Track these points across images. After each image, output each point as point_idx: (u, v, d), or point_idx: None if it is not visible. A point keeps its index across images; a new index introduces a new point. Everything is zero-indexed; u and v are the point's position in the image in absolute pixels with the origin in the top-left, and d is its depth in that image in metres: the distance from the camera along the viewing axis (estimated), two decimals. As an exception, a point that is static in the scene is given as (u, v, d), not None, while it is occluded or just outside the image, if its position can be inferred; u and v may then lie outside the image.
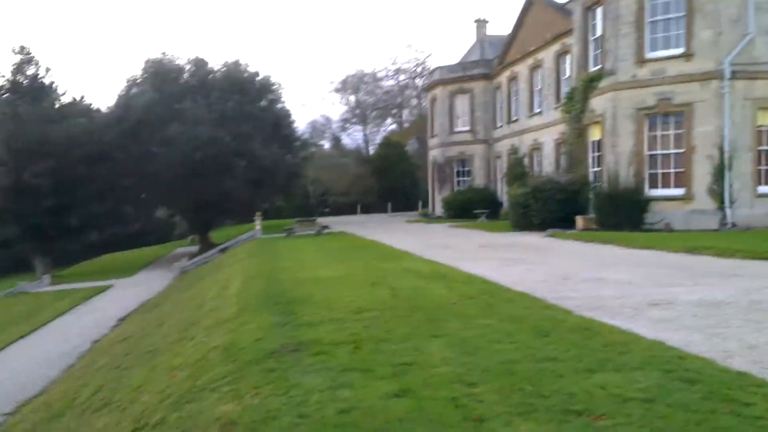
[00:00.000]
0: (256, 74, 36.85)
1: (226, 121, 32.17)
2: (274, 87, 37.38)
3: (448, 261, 14.18)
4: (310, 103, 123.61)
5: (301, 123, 54.76)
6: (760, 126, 19.76)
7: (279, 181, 36.91)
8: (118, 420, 7.12)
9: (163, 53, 35.39)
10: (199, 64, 36.16)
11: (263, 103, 36.66)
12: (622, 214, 20.25)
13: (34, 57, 35.77)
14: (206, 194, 33.54)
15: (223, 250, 28.44)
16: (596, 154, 22.70)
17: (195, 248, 38.88)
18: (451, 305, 8.59)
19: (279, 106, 37.69)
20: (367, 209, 58.20)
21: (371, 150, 70.54)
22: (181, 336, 10.16)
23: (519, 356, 5.85)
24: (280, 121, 37.16)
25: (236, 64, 36.63)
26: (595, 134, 22.71)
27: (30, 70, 35.69)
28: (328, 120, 75.22)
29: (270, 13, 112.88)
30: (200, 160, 31.38)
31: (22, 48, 35.58)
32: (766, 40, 19.50)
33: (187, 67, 36.10)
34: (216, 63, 37.81)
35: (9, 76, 35.31)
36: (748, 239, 15.77)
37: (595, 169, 22.79)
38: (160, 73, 34.44)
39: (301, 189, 49.76)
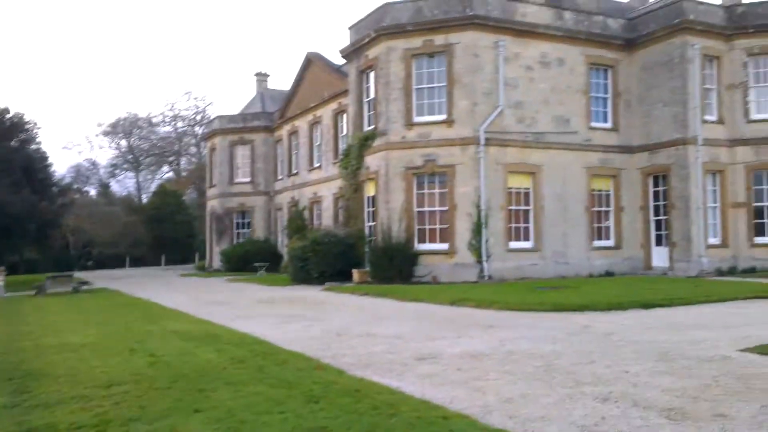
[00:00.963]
0: (6, 111, 32.67)
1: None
2: (28, 126, 33.48)
3: (222, 319, 13.42)
4: (75, 145, 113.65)
5: (62, 167, 49.71)
6: (510, 188, 22.17)
7: (30, 231, 32.68)
8: None
9: None
10: (-68, 94, 31.09)
11: (13, 143, 32.50)
12: (395, 267, 21.14)
13: None
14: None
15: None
16: (371, 209, 23.61)
17: None
18: (221, 371, 7.96)
19: (33, 147, 33.72)
20: (138, 262, 54.13)
21: (144, 198, 66.32)
22: None
23: (288, 428, 5.47)
24: (34, 164, 33.21)
25: (-19, 97, 32.14)
26: (370, 190, 23.66)
27: None
28: (94, 165, 69.42)
29: (29, 46, 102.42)
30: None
31: None
32: (513, 112, 22.13)
33: None
34: (-46, 95, 32.93)
35: None
36: (502, 291, 17.33)
37: (371, 223, 23.65)
38: None
39: (59, 240, 44.67)
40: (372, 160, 23.19)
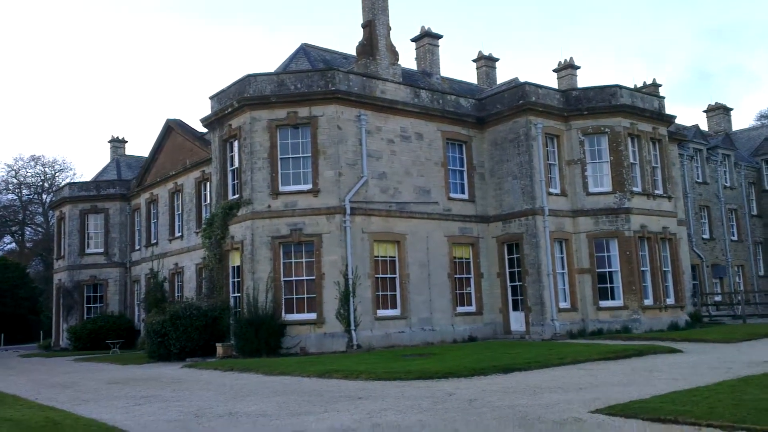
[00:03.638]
0: None
1: None
2: None
3: (67, 404, 12.24)
4: None
5: None
6: (377, 256, 22.55)
7: None
8: None
9: None
10: None
11: None
12: (261, 339, 20.49)
13: None
14: None
15: None
16: (236, 279, 22.93)
17: None
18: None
19: None
20: (-30, 343, 48.32)
21: (-19, 272, 59.88)
22: None
23: None
24: None
25: None
26: (235, 260, 23.04)
27: None
28: None
29: None
30: None
31: None
32: (376, 182, 22.79)
33: None
34: None
35: None
36: (371, 360, 17.31)
37: (236, 294, 22.93)
38: None
39: None
40: (237, 230, 22.72)
